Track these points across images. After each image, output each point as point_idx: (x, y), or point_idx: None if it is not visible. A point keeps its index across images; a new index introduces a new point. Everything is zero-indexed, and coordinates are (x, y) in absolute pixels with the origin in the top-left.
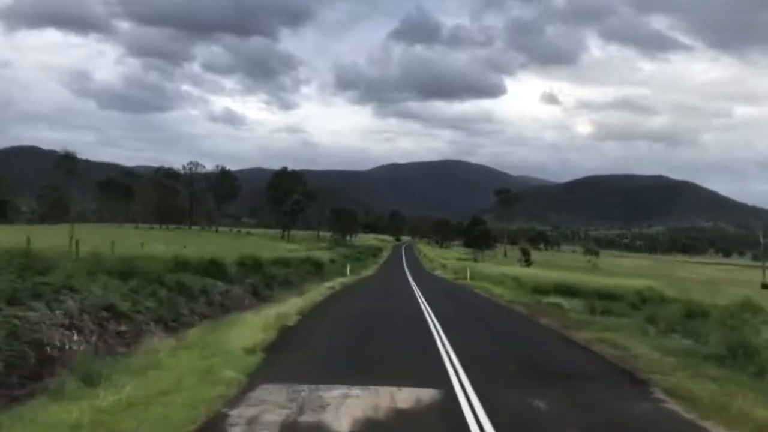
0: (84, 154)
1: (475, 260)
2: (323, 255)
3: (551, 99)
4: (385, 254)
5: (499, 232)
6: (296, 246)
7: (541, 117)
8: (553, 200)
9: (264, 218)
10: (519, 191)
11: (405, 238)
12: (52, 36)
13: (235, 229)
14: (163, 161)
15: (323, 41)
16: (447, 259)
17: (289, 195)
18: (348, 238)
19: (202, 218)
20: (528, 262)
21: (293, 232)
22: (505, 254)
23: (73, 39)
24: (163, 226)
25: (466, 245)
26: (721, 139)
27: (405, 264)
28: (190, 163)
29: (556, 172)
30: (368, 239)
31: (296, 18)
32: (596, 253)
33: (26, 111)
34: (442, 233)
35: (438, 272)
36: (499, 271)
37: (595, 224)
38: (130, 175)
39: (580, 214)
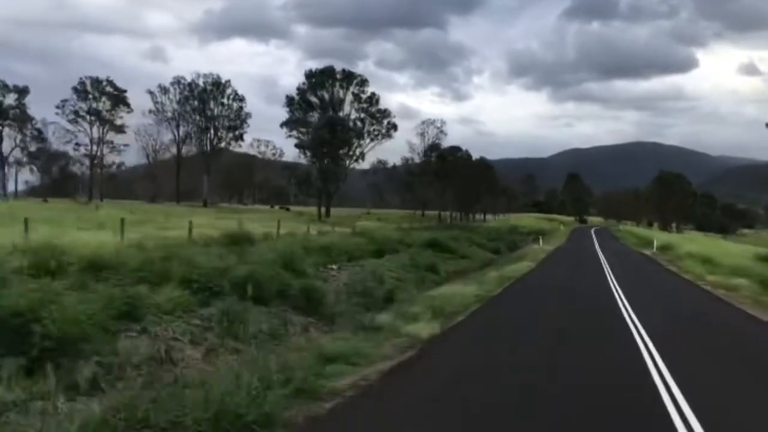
0: None
1: None
2: None
3: (751, 69)
4: (544, 255)
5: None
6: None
7: (740, 90)
8: (762, 180)
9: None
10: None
11: (594, 220)
12: (238, 46)
13: (277, 206)
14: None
15: (493, 28)
16: None
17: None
18: (483, 217)
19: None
20: None
21: (385, 211)
22: None
23: (257, 47)
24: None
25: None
26: None
27: None
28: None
29: (763, 150)
30: (513, 219)
31: (465, 6)
32: None
33: None
34: (669, 209)
35: None
36: None
37: None
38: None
39: None
